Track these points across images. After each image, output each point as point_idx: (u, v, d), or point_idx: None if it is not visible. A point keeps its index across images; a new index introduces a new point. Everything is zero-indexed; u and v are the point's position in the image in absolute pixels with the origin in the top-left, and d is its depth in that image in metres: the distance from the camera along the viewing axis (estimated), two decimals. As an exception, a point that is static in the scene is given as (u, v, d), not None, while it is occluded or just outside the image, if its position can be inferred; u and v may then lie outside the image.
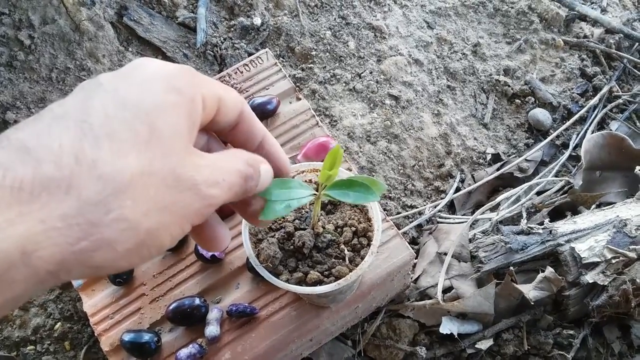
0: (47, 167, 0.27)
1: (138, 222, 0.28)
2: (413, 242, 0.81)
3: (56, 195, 0.26)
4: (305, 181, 0.54)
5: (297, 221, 0.53)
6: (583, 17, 1.00)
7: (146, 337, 0.59)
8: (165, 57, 0.94)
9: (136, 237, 0.29)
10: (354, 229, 0.53)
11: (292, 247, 0.52)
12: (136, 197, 0.28)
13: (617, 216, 0.73)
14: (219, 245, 0.39)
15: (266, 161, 0.38)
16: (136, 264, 0.30)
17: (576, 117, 0.91)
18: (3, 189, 0.25)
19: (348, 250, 0.52)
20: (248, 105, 0.38)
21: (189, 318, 0.60)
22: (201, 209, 0.32)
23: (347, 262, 0.51)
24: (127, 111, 0.30)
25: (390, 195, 0.85)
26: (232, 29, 0.97)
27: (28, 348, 0.74)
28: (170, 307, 0.60)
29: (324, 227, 0.53)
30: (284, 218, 0.54)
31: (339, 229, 0.53)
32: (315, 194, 0.47)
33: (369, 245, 0.52)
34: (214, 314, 0.60)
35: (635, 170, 0.78)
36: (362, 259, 0.51)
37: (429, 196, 0.86)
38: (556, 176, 0.85)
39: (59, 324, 0.75)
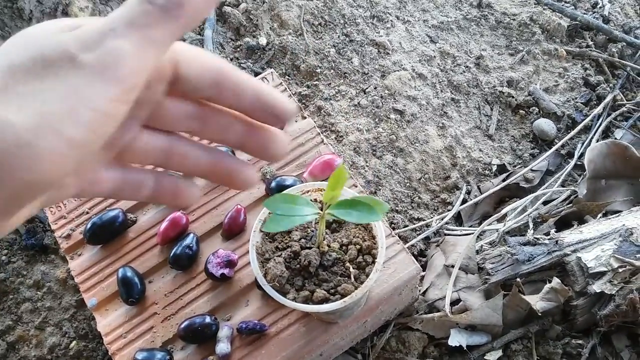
0: None
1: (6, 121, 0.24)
2: (421, 254, 0.82)
3: None
4: (311, 200, 0.55)
5: (302, 240, 0.55)
6: (585, 27, 1.01)
7: (159, 355, 0.60)
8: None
9: (13, 137, 0.24)
10: (358, 246, 0.54)
11: (298, 266, 0.53)
12: None
13: (623, 225, 0.73)
14: (184, 199, 0.35)
15: None
16: (51, 172, 0.25)
17: (581, 126, 0.91)
18: None
19: (353, 268, 0.53)
20: (227, 64, 0.32)
21: (200, 336, 0.61)
22: (99, 85, 0.25)
23: (353, 279, 0.53)
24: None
25: (397, 208, 0.86)
26: (239, 49, 0.99)
27: (45, 367, 0.76)
28: (182, 326, 0.62)
29: (329, 246, 0.54)
30: (290, 237, 0.55)
31: (344, 247, 0.55)
32: (319, 213, 0.49)
33: (373, 262, 0.53)
34: (224, 331, 0.61)
35: (640, 178, 0.79)
36: (368, 276, 0.52)
37: (436, 208, 0.87)
38: (562, 186, 0.86)
39: (74, 342, 0.77)
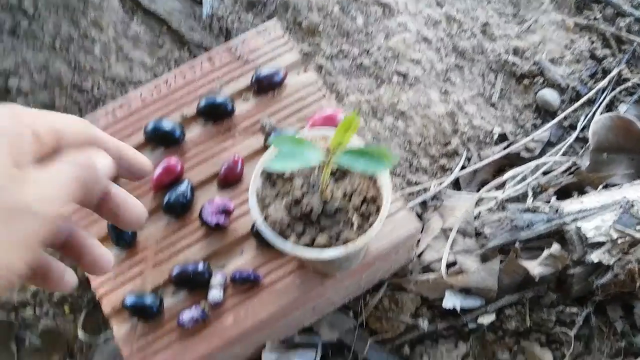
0: None
1: None
2: (418, 218, 0.81)
3: None
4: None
5: (305, 187, 0.53)
6: None
7: (148, 300, 0.59)
8: (170, 29, 0.93)
9: None
10: (362, 196, 0.52)
11: (299, 213, 0.51)
12: None
13: (624, 197, 0.73)
14: (103, 267, 0.40)
15: (101, 152, 0.36)
16: None
17: (585, 99, 0.90)
18: None
19: (356, 217, 0.51)
20: (98, 130, 0.37)
21: (192, 282, 0.60)
22: (42, 229, 0.30)
23: (355, 228, 0.51)
24: None
25: (395, 171, 0.84)
26: (239, 2, 0.96)
27: (27, 312, 0.74)
28: (174, 272, 0.60)
29: (332, 194, 0.52)
30: (291, 184, 0.53)
31: (347, 196, 0.53)
32: (325, 160, 0.47)
33: (377, 212, 0.52)
34: (217, 278, 0.60)
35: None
36: (371, 225, 0.51)
37: (435, 173, 0.86)
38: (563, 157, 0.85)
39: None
